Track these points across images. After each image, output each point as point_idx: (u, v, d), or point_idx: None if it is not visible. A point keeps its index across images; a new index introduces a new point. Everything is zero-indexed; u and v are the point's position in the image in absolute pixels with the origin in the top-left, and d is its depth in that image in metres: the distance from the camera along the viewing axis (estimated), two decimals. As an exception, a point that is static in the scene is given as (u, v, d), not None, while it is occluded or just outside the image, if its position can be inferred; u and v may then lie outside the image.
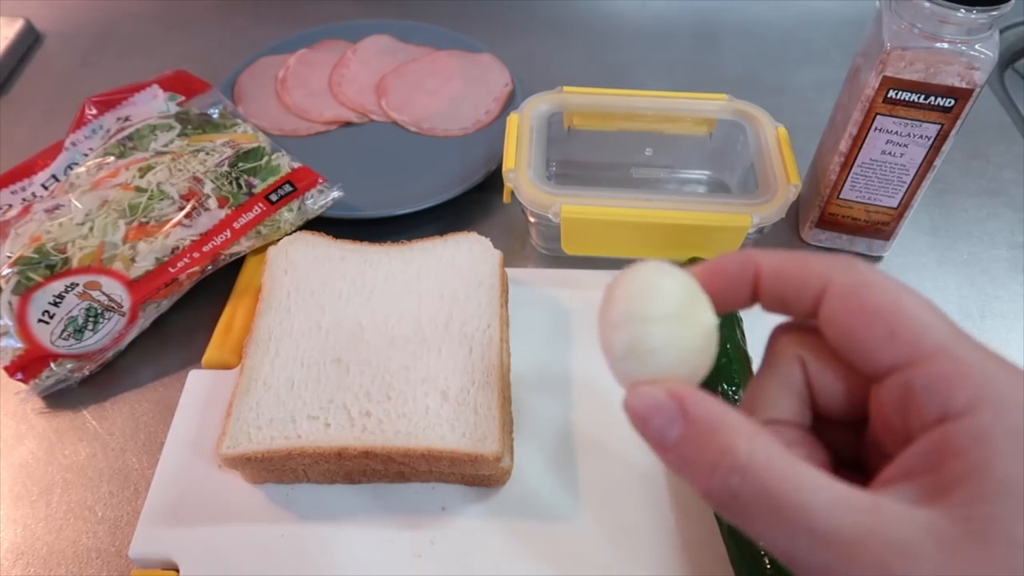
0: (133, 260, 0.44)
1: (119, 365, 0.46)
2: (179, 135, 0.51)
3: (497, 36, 0.68)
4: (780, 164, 0.48)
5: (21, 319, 0.42)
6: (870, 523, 0.19)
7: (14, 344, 0.42)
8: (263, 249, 0.47)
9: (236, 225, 0.47)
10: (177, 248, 0.45)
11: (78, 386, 0.45)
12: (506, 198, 0.48)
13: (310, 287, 0.43)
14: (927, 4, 0.39)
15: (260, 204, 0.48)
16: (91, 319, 0.43)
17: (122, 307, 0.44)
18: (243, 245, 0.47)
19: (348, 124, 0.60)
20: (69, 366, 0.43)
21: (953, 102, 0.42)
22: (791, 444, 0.25)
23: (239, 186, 0.48)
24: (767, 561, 0.33)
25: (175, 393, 0.43)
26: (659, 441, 0.22)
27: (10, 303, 0.42)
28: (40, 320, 0.42)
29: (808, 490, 0.20)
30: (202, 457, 0.39)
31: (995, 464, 0.19)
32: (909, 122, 0.43)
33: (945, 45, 0.40)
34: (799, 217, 0.54)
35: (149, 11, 0.74)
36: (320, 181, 0.50)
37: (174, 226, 0.45)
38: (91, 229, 0.44)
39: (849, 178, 0.47)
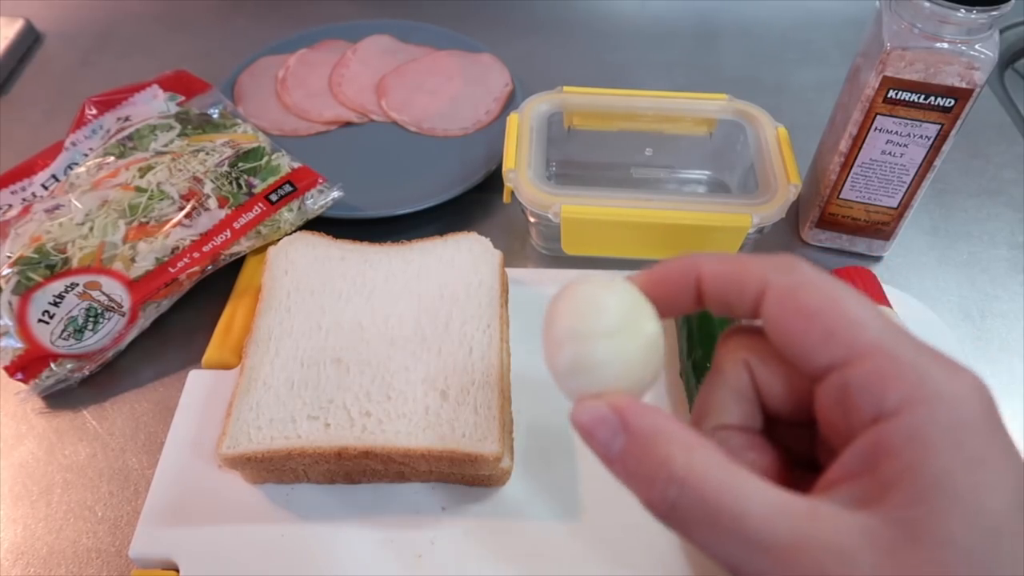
0: (133, 260, 0.44)
1: (119, 365, 0.46)
2: (179, 135, 0.51)
3: (497, 36, 0.68)
4: (780, 164, 0.48)
5: (21, 319, 0.42)
6: (807, 528, 0.20)
7: (14, 344, 0.42)
8: (263, 249, 0.47)
9: (236, 225, 0.47)
10: (177, 248, 0.45)
11: (78, 386, 0.45)
12: (506, 198, 0.48)
13: (310, 287, 0.43)
14: (927, 4, 0.39)
15: (260, 204, 0.48)
16: (91, 319, 0.43)
17: (122, 307, 0.44)
18: (243, 245, 0.47)
19: (348, 124, 0.60)
20: (69, 366, 0.43)
21: (953, 102, 0.42)
22: (740, 449, 0.25)
23: (239, 186, 0.48)
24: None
25: (175, 393, 0.43)
26: (604, 453, 0.22)
27: (10, 303, 0.42)
28: (40, 320, 0.42)
29: (745, 498, 0.20)
30: (202, 457, 0.39)
31: (929, 463, 0.19)
32: (909, 122, 0.43)
33: (945, 45, 0.40)
34: (799, 217, 0.54)
35: (149, 11, 0.74)
36: (320, 181, 0.50)
37: (174, 226, 0.45)
38: (91, 229, 0.44)
39: (849, 178, 0.47)
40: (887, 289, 0.45)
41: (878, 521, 0.19)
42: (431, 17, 0.69)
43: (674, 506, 0.21)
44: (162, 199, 0.46)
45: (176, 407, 0.42)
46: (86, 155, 0.51)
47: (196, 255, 0.45)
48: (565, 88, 0.53)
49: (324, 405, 0.38)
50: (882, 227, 0.50)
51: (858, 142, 0.45)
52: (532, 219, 0.48)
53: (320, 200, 0.50)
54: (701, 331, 0.41)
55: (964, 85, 0.41)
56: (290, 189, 0.49)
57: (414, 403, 0.38)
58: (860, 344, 0.21)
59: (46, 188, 0.50)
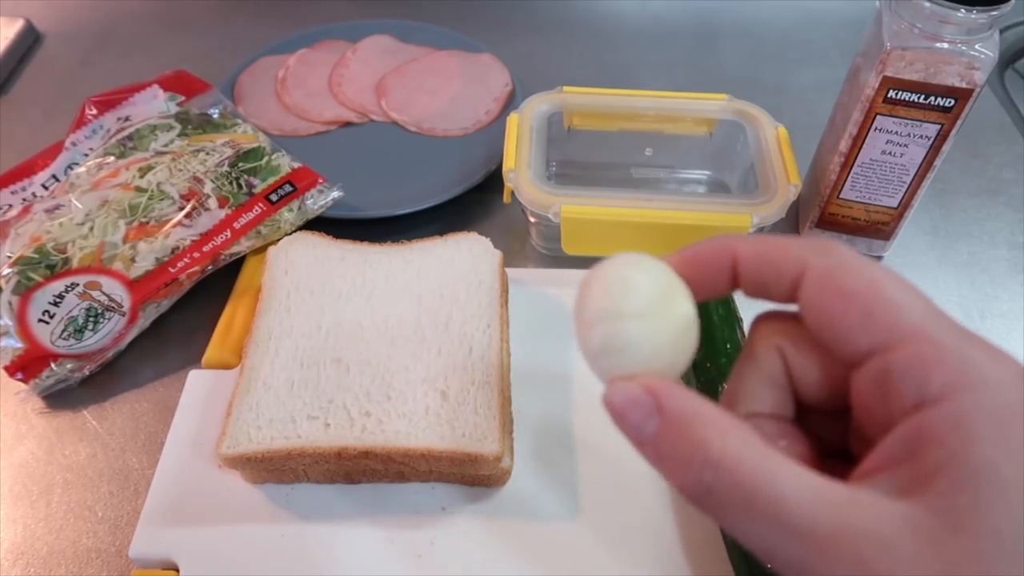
0: (133, 260, 0.44)
1: (119, 365, 0.46)
2: (179, 135, 0.51)
3: (497, 36, 0.68)
4: (780, 164, 0.48)
5: (21, 319, 0.42)
6: (846, 516, 0.19)
7: (14, 344, 0.42)
8: (263, 249, 0.47)
9: (236, 225, 0.47)
10: (177, 248, 0.45)
11: (78, 386, 0.45)
12: (506, 198, 0.48)
13: (310, 287, 0.43)
14: (927, 4, 0.39)
15: (260, 204, 0.48)
16: (91, 319, 0.43)
17: (122, 307, 0.44)
18: (243, 245, 0.47)
19: (348, 124, 0.60)
20: (69, 366, 0.43)
21: (953, 102, 0.42)
22: (772, 437, 0.24)
23: (239, 186, 0.48)
24: (767, 561, 0.33)
25: (175, 393, 0.43)
26: (636, 436, 0.22)
27: (10, 303, 0.42)
28: (40, 320, 0.42)
29: (783, 484, 0.20)
30: (202, 457, 0.39)
31: (973, 451, 0.19)
32: (909, 122, 0.43)
33: (945, 45, 0.40)
34: (799, 217, 0.54)
35: (149, 11, 0.74)
36: (320, 181, 0.50)
37: (174, 226, 0.45)
38: (91, 229, 0.44)
39: (849, 178, 0.47)
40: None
41: (920, 510, 0.19)
42: (431, 17, 0.69)
43: (709, 490, 0.20)
44: (162, 199, 0.46)
45: (176, 407, 0.42)
46: (86, 155, 0.51)
47: (196, 255, 0.45)
48: (565, 88, 0.53)
49: (324, 405, 0.38)
50: (882, 227, 0.50)
51: (858, 142, 0.45)
52: (532, 219, 0.48)
53: (320, 200, 0.50)
54: (701, 331, 0.41)
55: (964, 85, 0.41)
56: (290, 189, 0.49)
57: (414, 403, 0.38)
58: (901, 328, 0.21)
59: (46, 188, 0.50)
